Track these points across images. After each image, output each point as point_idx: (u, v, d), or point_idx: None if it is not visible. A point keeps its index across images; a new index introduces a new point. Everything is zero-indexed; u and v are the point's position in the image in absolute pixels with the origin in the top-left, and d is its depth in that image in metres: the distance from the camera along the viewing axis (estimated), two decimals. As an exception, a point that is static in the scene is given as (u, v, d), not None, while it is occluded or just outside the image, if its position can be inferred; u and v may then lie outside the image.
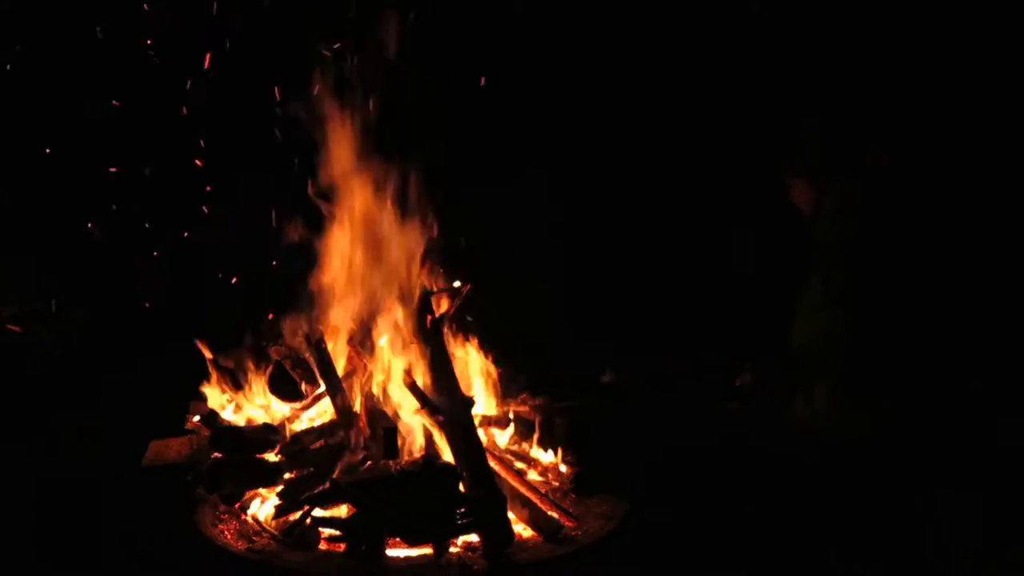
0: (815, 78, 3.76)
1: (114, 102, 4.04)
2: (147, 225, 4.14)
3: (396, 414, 3.19)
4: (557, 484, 3.27)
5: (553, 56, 4.17)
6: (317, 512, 2.88)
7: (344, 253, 3.38)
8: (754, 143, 3.21)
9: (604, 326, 4.19)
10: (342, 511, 2.90)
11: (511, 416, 3.46)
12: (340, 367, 3.30)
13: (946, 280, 3.06)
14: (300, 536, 2.82)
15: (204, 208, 4.14)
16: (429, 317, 3.19)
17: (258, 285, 3.84)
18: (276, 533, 2.90)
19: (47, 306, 3.84)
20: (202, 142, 4.09)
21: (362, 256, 3.37)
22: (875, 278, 2.89)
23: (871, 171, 3.10)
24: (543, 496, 3.12)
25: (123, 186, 4.13)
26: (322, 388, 3.29)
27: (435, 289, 3.35)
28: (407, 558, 2.77)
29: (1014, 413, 3.28)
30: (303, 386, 3.40)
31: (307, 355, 3.28)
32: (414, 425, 3.15)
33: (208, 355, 3.38)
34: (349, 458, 3.04)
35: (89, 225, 4.07)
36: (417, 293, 3.25)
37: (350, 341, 3.34)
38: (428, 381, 3.14)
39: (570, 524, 2.98)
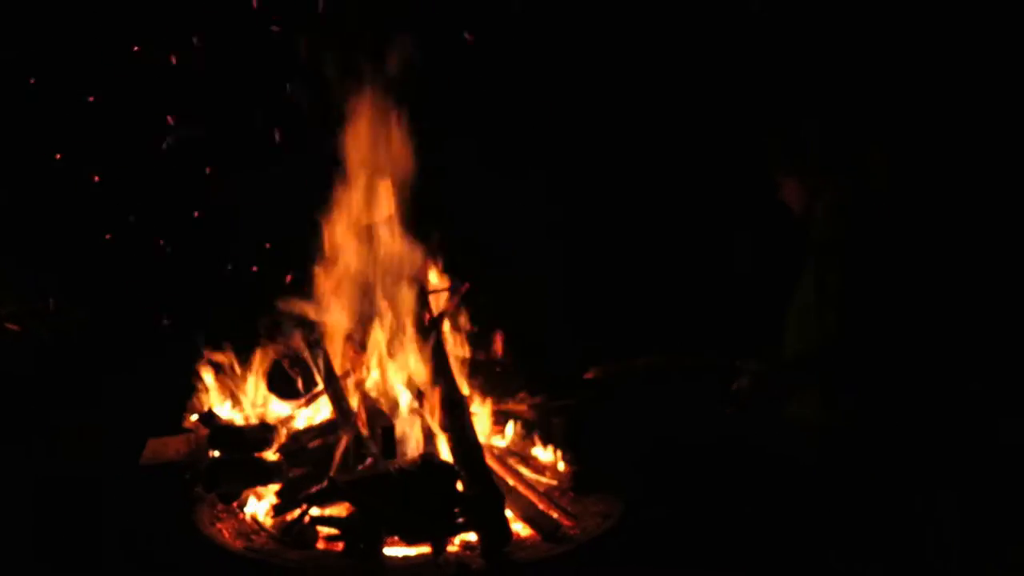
0: (814, 78, 3.75)
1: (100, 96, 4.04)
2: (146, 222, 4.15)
3: (394, 413, 3.18)
4: (555, 483, 3.27)
5: (553, 56, 4.17)
6: (315, 511, 2.88)
7: (344, 252, 3.38)
8: (754, 143, 3.19)
9: (604, 326, 4.19)
10: (340, 510, 2.90)
11: (509, 415, 3.46)
12: (338, 366, 3.30)
13: (944, 281, 3.04)
14: (298, 535, 2.83)
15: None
16: (428, 316, 3.19)
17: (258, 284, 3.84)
18: (274, 532, 2.90)
19: (46, 305, 3.84)
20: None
21: (361, 255, 3.36)
22: (872, 280, 2.86)
23: (872, 172, 3.09)
24: (541, 495, 3.12)
25: (123, 186, 4.14)
26: (320, 387, 3.29)
27: (434, 288, 3.35)
28: (405, 557, 2.77)
29: (1014, 413, 3.28)
30: (301, 385, 3.40)
31: (305, 354, 3.28)
32: (412, 424, 3.14)
33: (208, 354, 3.39)
34: (346, 457, 3.03)
35: (107, 236, 4.08)
36: (416, 292, 3.25)
37: (348, 340, 3.35)
38: (426, 380, 3.15)
39: (568, 523, 2.97)
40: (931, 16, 3.71)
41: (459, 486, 2.84)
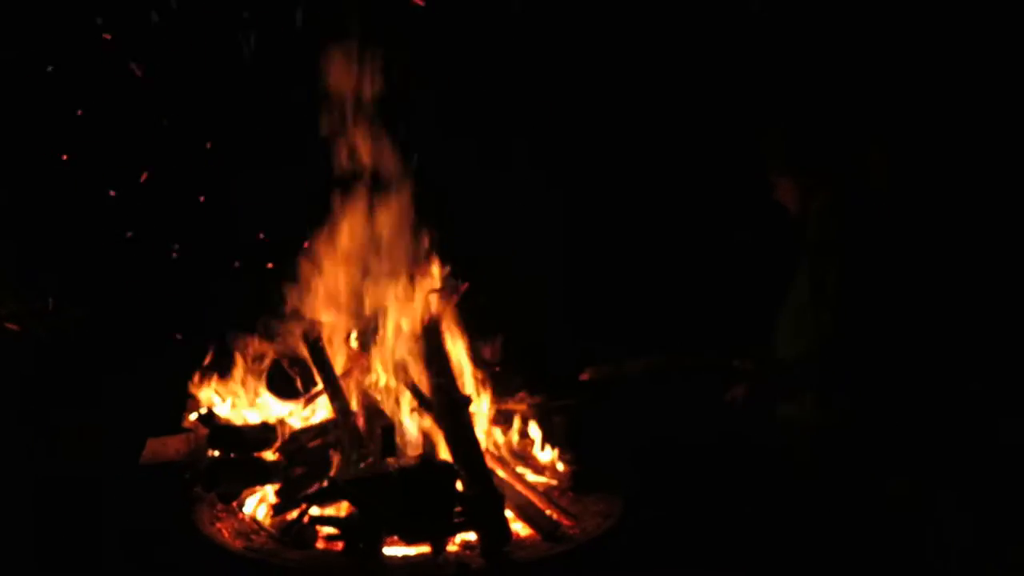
0: (813, 77, 3.75)
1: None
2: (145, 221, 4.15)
3: (394, 412, 3.18)
4: (555, 482, 3.27)
5: (553, 55, 4.16)
6: (315, 510, 2.87)
7: (343, 251, 3.38)
8: (751, 141, 3.18)
9: (604, 326, 4.18)
10: (340, 510, 2.90)
11: (509, 415, 3.45)
12: (338, 366, 3.30)
13: (942, 282, 3.03)
14: (298, 534, 2.82)
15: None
16: (427, 315, 3.19)
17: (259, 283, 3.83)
18: (274, 531, 2.90)
19: (45, 305, 3.84)
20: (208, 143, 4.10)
21: (361, 254, 3.36)
22: (869, 281, 2.83)
23: (871, 171, 3.09)
24: (541, 494, 3.12)
25: (122, 185, 4.14)
26: (320, 387, 3.29)
27: (434, 288, 3.35)
28: (405, 556, 2.77)
29: (1014, 413, 3.28)
30: (301, 384, 3.40)
31: (305, 353, 3.28)
32: (412, 424, 3.14)
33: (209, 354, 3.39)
34: (347, 457, 3.03)
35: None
36: (415, 292, 3.25)
37: (348, 339, 3.34)
38: (426, 379, 3.14)
39: (568, 522, 2.97)
40: (930, 15, 3.71)
41: (459, 486, 2.84)
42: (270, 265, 3.43)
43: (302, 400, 3.35)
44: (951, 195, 3.34)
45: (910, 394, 2.89)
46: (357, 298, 3.36)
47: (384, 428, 3.01)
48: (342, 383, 3.23)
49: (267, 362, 3.38)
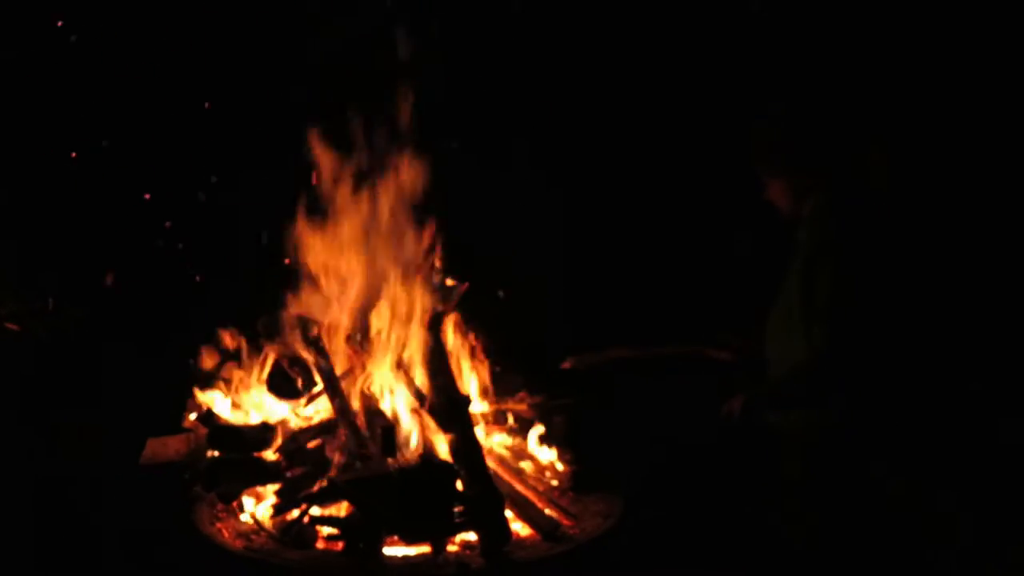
0: (811, 76, 3.74)
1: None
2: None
3: (394, 412, 3.18)
4: (555, 482, 3.27)
5: (553, 55, 4.16)
6: (315, 510, 2.87)
7: (343, 250, 3.38)
8: (745, 141, 3.15)
9: (604, 326, 4.18)
10: (340, 510, 2.89)
11: (509, 414, 3.45)
12: (338, 365, 3.30)
13: (939, 284, 3.02)
14: (298, 534, 2.82)
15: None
16: (427, 315, 3.19)
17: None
18: (274, 531, 2.89)
19: (45, 304, 3.84)
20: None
21: (361, 253, 3.36)
22: (866, 287, 2.76)
23: (871, 170, 3.07)
24: (541, 494, 3.12)
25: (123, 185, 4.14)
26: (320, 386, 3.29)
27: (434, 287, 3.34)
28: (405, 556, 2.77)
29: (1014, 413, 3.28)
30: (301, 384, 3.39)
31: (305, 353, 3.28)
32: (412, 423, 3.14)
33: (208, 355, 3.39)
34: (347, 457, 3.03)
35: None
36: (415, 292, 3.25)
37: (348, 339, 3.34)
38: (426, 379, 3.14)
39: (568, 522, 2.97)
40: (930, 13, 3.71)
41: (459, 485, 2.84)
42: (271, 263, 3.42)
43: (302, 400, 3.34)
44: (948, 195, 3.34)
45: (906, 397, 2.87)
46: (357, 298, 3.35)
47: (384, 428, 3.01)
48: (342, 383, 3.23)
49: (267, 362, 3.38)
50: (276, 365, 3.38)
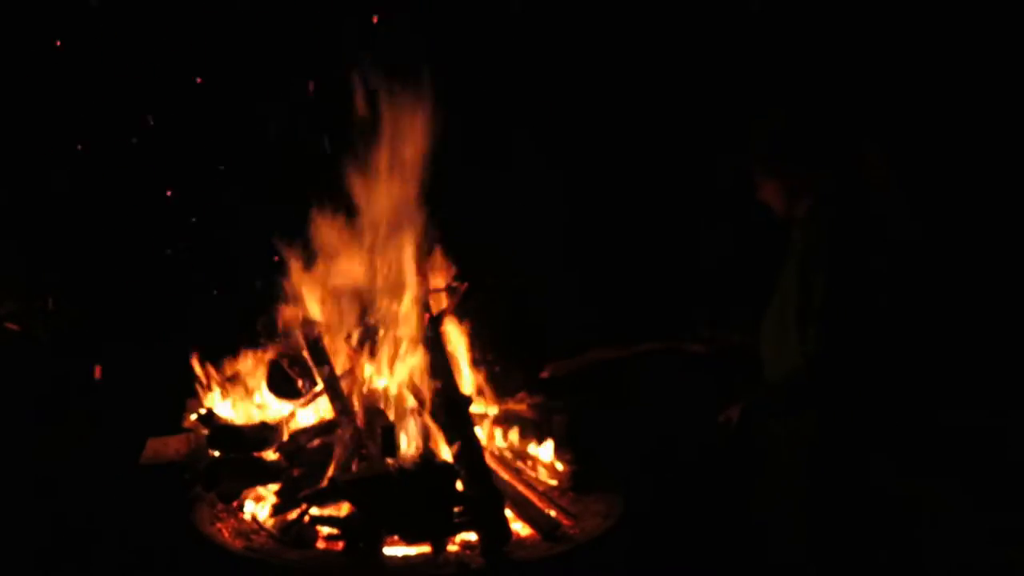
0: (802, 79, 3.73)
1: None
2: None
3: (394, 412, 3.18)
4: (555, 482, 3.27)
5: (554, 53, 4.16)
6: (315, 510, 2.87)
7: (343, 250, 3.37)
8: (738, 140, 3.14)
9: (605, 325, 4.18)
10: (340, 509, 2.89)
11: (509, 414, 3.45)
12: (338, 365, 3.30)
13: (936, 285, 3.00)
14: (298, 534, 2.82)
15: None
16: (427, 315, 3.19)
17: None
18: (274, 531, 2.89)
19: (45, 304, 3.84)
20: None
21: (361, 253, 3.36)
22: (862, 290, 2.71)
23: (869, 169, 3.05)
24: (541, 494, 3.12)
25: (123, 185, 4.14)
26: (320, 386, 3.29)
27: (434, 287, 3.35)
28: (405, 556, 2.77)
29: (1015, 412, 3.28)
30: (301, 384, 3.40)
31: (305, 353, 3.28)
32: (412, 423, 3.14)
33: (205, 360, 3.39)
34: (346, 456, 3.03)
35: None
36: (416, 291, 3.25)
37: (348, 339, 3.34)
38: (426, 379, 3.14)
39: (568, 522, 2.97)
40: (929, 13, 3.71)
41: (459, 485, 2.84)
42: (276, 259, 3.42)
43: (302, 400, 3.34)
44: (947, 195, 3.34)
45: (901, 398, 2.85)
46: (357, 298, 3.35)
47: (384, 428, 3.00)
48: (342, 383, 3.23)
49: (267, 362, 3.38)
50: (276, 365, 3.38)
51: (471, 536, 2.81)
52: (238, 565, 2.75)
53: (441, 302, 3.38)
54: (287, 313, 3.33)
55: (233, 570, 2.77)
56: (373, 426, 3.08)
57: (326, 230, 3.33)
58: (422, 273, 3.32)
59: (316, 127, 3.66)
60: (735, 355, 3.07)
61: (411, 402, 3.14)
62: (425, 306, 3.22)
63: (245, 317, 3.42)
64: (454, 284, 3.39)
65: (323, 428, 3.18)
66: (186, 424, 3.29)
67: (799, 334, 2.71)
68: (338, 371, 3.26)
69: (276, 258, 3.41)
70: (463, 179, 3.72)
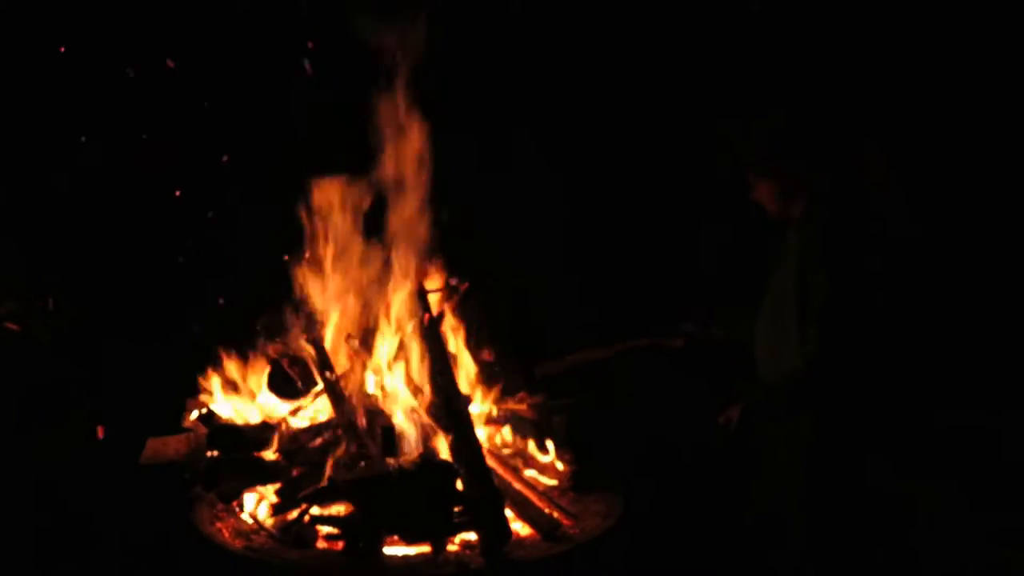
0: (798, 79, 3.73)
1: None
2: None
3: (394, 412, 3.19)
4: (555, 482, 3.27)
5: (554, 53, 4.16)
6: (315, 510, 2.87)
7: (342, 250, 3.38)
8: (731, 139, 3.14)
9: (605, 324, 4.18)
10: (340, 509, 2.89)
11: (509, 414, 3.46)
12: (338, 365, 3.30)
13: (934, 285, 3.00)
14: (298, 534, 2.82)
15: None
16: (427, 315, 3.19)
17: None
18: (274, 531, 2.89)
19: (45, 304, 3.84)
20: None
21: (360, 253, 3.37)
22: (861, 293, 2.71)
23: (868, 169, 3.05)
24: (541, 494, 3.12)
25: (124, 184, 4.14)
26: (320, 386, 3.29)
27: (433, 287, 3.35)
28: (405, 556, 2.77)
29: (1011, 412, 3.29)
30: (301, 384, 3.40)
31: (305, 353, 3.28)
32: (412, 423, 3.15)
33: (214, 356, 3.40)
34: (346, 456, 3.04)
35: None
36: (415, 291, 3.26)
37: (348, 339, 3.35)
38: (426, 379, 3.15)
39: (568, 522, 2.97)
40: (928, 14, 3.71)
41: (459, 485, 2.84)
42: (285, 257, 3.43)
43: (302, 400, 3.35)
44: (945, 195, 3.34)
45: (898, 400, 2.86)
46: (357, 298, 3.36)
47: (384, 428, 3.01)
48: (342, 383, 3.23)
49: (267, 362, 3.38)
50: (276, 365, 3.38)
51: (471, 536, 2.81)
52: (238, 565, 2.75)
53: (441, 302, 3.38)
54: (287, 313, 3.33)
55: (233, 570, 2.78)
56: (373, 426, 3.09)
57: (326, 230, 3.34)
58: (422, 273, 3.33)
59: (316, 127, 3.65)
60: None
61: (411, 402, 3.14)
62: (425, 306, 3.23)
63: (245, 317, 3.42)
64: (454, 284, 3.39)
65: (323, 428, 3.18)
66: (186, 424, 3.29)
67: (799, 335, 2.71)
68: (338, 371, 3.26)
69: (276, 258, 3.41)
70: (463, 179, 3.72)
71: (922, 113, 3.60)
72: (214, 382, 3.37)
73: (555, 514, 3.00)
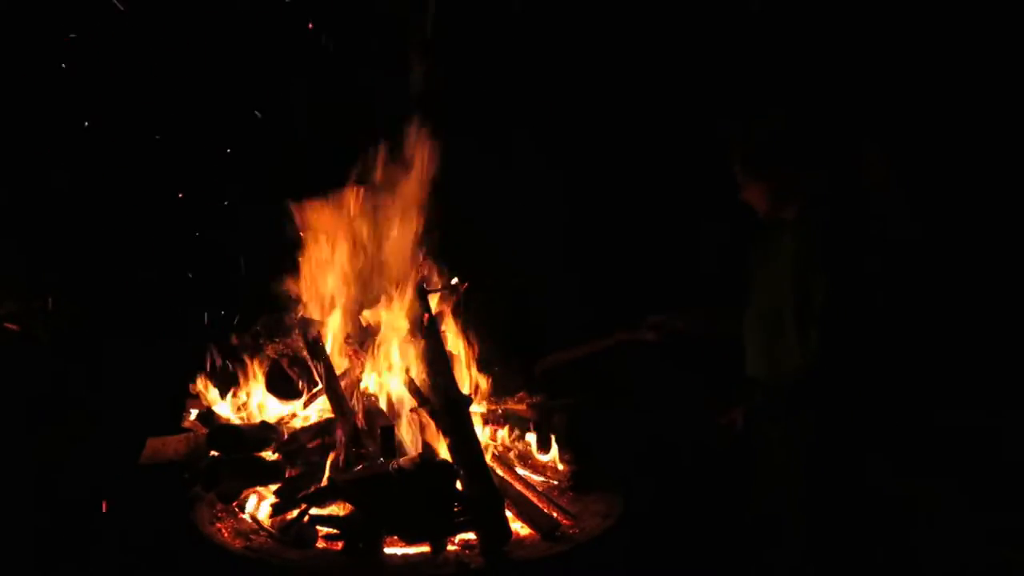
0: (806, 78, 3.73)
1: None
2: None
3: (394, 412, 3.19)
4: (555, 482, 3.28)
5: (554, 52, 4.16)
6: (314, 510, 2.88)
7: (342, 250, 3.38)
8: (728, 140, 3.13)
9: (605, 324, 4.18)
10: (340, 509, 2.90)
11: (509, 414, 3.46)
12: (338, 365, 3.30)
13: (932, 285, 3.00)
14: (297, 534, 2.82)
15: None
16: (427, 315, 3.19)
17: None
18: (273, 531, 2.89)
19: (44, 304, 3.84)
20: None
21: (360, 253, 3.37)
22: (861, 295, 2.71)
23: (867, 169, 3.05)
24: (540, 494, 3.12)
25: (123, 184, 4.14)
26: (320, 386, 3.29)
27: (433, 286, 3.35)
28: (404, 556, 2.77)
29: (1010, 412, 3.28)
30: (300, 384, 3.40)
31: (305, 353, 3.28)
32: (411, 423, 3.15)
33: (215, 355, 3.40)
34: (346, 456, 3.04)
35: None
36: (415, 291, 3.26)
37: (348, 339, 3.35)
38: (425, 379, 3.15)
39: (567, 522, 2.98)
40: (927, 14, 3.71)
41: (458, 485, 2.84)
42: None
43: (302, 400, 3.35)
44: (945, 195, 3.34)
45: (898, 400, 2.86)
46: (357, 298, 3.36)
47: (384, 428, 3.01)
48: (342, 383, 3.23)
49: (267, 362, 3.38)
50: (276, 365, 3.39)
51: (471, 536, 2.82)
52: (238, 565, 2.75)
53: (441, 302, 3.38)
54: (287, 313, 3.33)
55: (233, 570, 2.78)
56: (373, 426, 3.09)
57: (326, 230, 3.34)
58: (422, 273, 3.33)
59: (316, 127, 3.65)
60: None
61: (411, 402, 3.14)
62: (425, 306, 3.23)
63: (245, 317, 3.42)
64: (454, 283, 3.39)
65: (323, 428, 3.18)
66: (186, 424, 3.29)
67: (799, 336, 2.71)
68: (338, 371, 3.27)
69: (275, 258, 3.41)
70: (463, 179, 3.73)
71: (922, 113, 3.59)
72: (213, 382, 3.37)
73: (555, 514, 3.00)
